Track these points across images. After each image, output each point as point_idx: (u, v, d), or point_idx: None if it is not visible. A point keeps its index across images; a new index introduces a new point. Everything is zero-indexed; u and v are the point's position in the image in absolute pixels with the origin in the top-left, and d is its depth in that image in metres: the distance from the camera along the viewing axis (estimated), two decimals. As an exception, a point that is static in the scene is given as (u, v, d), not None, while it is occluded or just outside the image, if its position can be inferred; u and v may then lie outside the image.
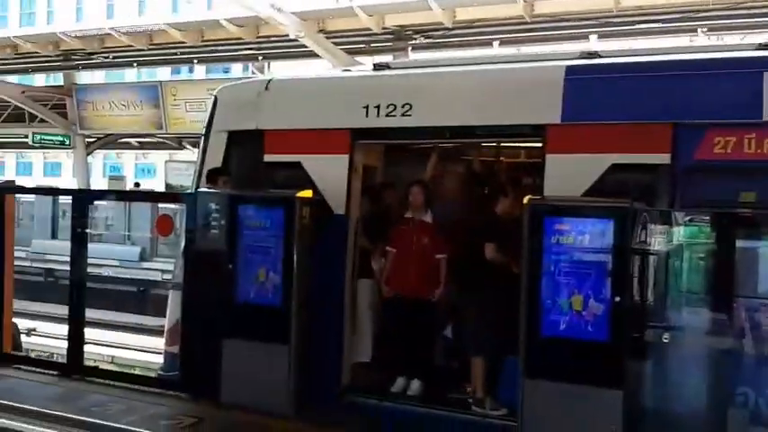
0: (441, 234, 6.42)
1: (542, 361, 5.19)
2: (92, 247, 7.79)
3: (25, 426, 5.83)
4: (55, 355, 10.60)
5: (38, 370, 7.29)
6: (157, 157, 36.06)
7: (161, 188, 24.00)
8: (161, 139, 23.59)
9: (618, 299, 4.94)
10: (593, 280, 5.02)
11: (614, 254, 4.99)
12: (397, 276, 6.47)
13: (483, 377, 5.97)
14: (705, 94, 5.31)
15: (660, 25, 12.51)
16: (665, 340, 5.09)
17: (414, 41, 14.78)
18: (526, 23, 13.38)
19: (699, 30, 12.35)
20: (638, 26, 12.71)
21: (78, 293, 7.34)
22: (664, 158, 5.31)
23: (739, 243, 5.03)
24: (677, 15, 12.34)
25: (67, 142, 22.91)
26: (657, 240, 5.29)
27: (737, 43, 9.07)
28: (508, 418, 5.62)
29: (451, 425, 5.88)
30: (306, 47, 15.11)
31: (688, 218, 5.27)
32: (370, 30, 14.73)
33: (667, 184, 5.32)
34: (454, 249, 6.28)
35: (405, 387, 6.37)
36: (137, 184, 25.15)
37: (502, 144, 7.61)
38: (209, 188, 6.68)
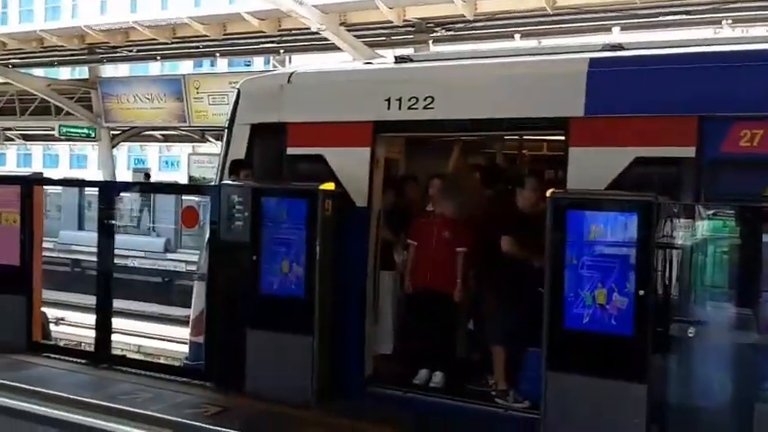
0: (462, 227, 6.44)
1: (565, 354, 5.19)
2: (117, 238, 7.91)
3: (55, 412, 5.96)
4: (83, 344, 10.76)
5: (67, 358, 7.44)
6: (181, 150, 36.36)
7: (184, 180, 24.22)
8: (184, 132, 23.78)
9: (642, 293, 4.92)
10: (617, 274, 5.00)
11: (638, 248, 4.96)
12: (418, 269, 6.51)
13: (504, 368, 5.99)
14: (731, 87, 5.25)
15: (684, 17, 12.36)
16: (689, 335, 5.07)
17: (435, 34, 14.73)
18: (548, 15, 13.28)
19: (723, 21, 12.18)
20: (661, 18, 12.56)
21: (105, 284, 7.47)
22: (689, 152, 5.27)
23: (765, 237, 4.98)
24: (702, 7, 12.19)
25: (93, 135, 23.19)
26: (682, 234, 5.26)
27: (764, 35, 8.96)
28: (531, 410, 5.64)
29: (475, 417, 5.91)
30: (327, 40, 15.13)
31: (713, 212, 5.23)
32: (392, 22, 14.71)
33: (692, 177, 5.28)
34: (476, 241, 6.29)
35: (427, 379, 6.40)
36: (147, 176, 25.11)
37: (525, 137, 7.59)
38: (232, 180, 6.75)
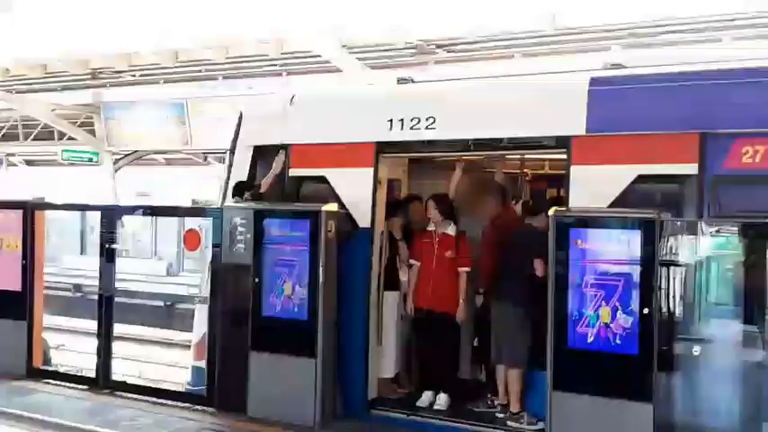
0: (464, 246, 6.41)
1: (570, 373, 5.15)
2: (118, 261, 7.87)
3: (55, 439, 5.92)
4: (83, 370, 10.69)
5: (67, 384, 7.38)
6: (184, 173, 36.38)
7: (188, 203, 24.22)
8: (187, 155, 23.83)
9: (646, 311, 4.89)
10: (621, 292, 4.98)
11: (642, 266, 4.94)
12: (420, 289, 6.47)
13: (521, 390, 5.91)
14: (733, 104, 5.25)
15: (684, 35, 12.40)
16: (695, 353, 5.02)
17: (436, 55, 14.80)
18: (548, 36, 13.34)
19: (724, 39, 12.21)
20: (661, 36, 12.60)
21: (107, 308, 7.43)
22: (691, 169, 5.26)
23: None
24: (701, 25, 12.23)
25: (96, 159, 23.25)
26: (685, 252, 5.23)
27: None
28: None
29: None
30: (329, 62, 15.22)
31: (716, 228, 5.20)
32: (393, 44, 14.80)
33: (695, 194, 5.26)
34: (494, 261, 6.21)
35: (431, 401, 6.34)
36: None
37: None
38: (235, 202, 6.74)
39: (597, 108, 5.60)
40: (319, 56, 15.05)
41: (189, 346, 8.01)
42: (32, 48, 17.42)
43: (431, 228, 6.55)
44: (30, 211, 7.70)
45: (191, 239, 7.67)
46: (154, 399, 6.88)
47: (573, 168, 5.63)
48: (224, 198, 7.10)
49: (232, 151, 7.21)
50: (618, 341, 4.95)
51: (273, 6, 14.15)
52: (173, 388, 8.14)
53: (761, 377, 4.92)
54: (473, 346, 6.72)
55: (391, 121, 6.30)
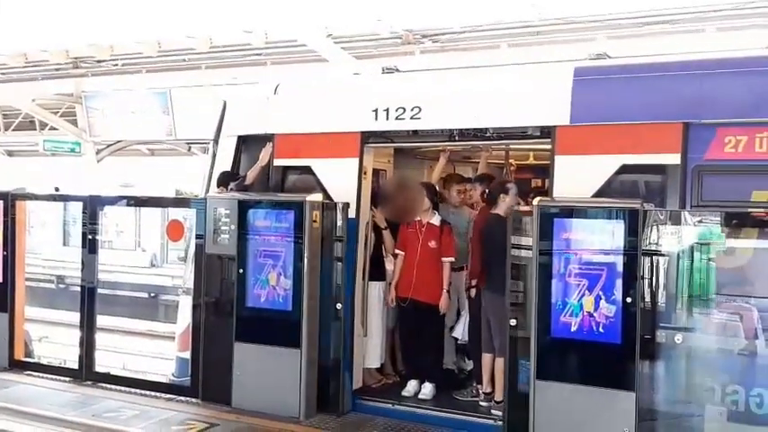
0: (448, 236, 6.42)
1: (553, 363, 5.17)
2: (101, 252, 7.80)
3: (37, 431, 5.86)
4: (66, 362, 10.62)
5: (50, 376, 7.33)
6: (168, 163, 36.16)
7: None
8: (171, 146, 23.67)
9: (629, 300, 4.92)
10: (604, 281, 5.00)
11: (625, 255, 4.96)
12: (405, 279, 6.48)
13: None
14: (716, 94, 5.28)
15: (667, 26, 12.46)
16: (677, 341, 5.06)
17: (422, 45, 14.77)
18: (534, 26, 13.36)
19: (707, 30, 12.28)
20: (645, 27, 12.65)
21: (89, 300, 7.37)
22: (674, 158, 5.29)
23: (751, 243, 4.99)
24: (685, 16, 12.28)
25: (78, 149, 23.02)
26: (668, 241, 5.25)
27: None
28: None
29: (466, 428, 5.86)
30: (314, 52, 15.15)
31: (699, 218, 5.23)
32: (378, 34, 14.75)
33: (678, 184, 5.29)
34: (487, 251, 6.21)
35: (417, 390, 6.37)
36: (56, 190, 24.64)
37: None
38: (219, 192, 6.70)
39: (581, 98, 5.61)
40: (304, 45, 15.00)
41: (173, 338, 7.98)
42: (12, 36, 17.11)
43: (417, 217, 6.55)
44: (10, 201, 7.61)
45: (174, 230, 7.62)
46: (138, 390, 6.84)
47: (557, 158, 5.64)
48: (208, 188, 7.06)
49: (216, 141, 7.16)
50: (601, 330, 4.98)
51: (257, -5, 14.04)
52: (157, 379, 8.11)
53: (741, 365, 4.97)
54: (456, 339, 6.73)
55: (376, 110, 6.28)
